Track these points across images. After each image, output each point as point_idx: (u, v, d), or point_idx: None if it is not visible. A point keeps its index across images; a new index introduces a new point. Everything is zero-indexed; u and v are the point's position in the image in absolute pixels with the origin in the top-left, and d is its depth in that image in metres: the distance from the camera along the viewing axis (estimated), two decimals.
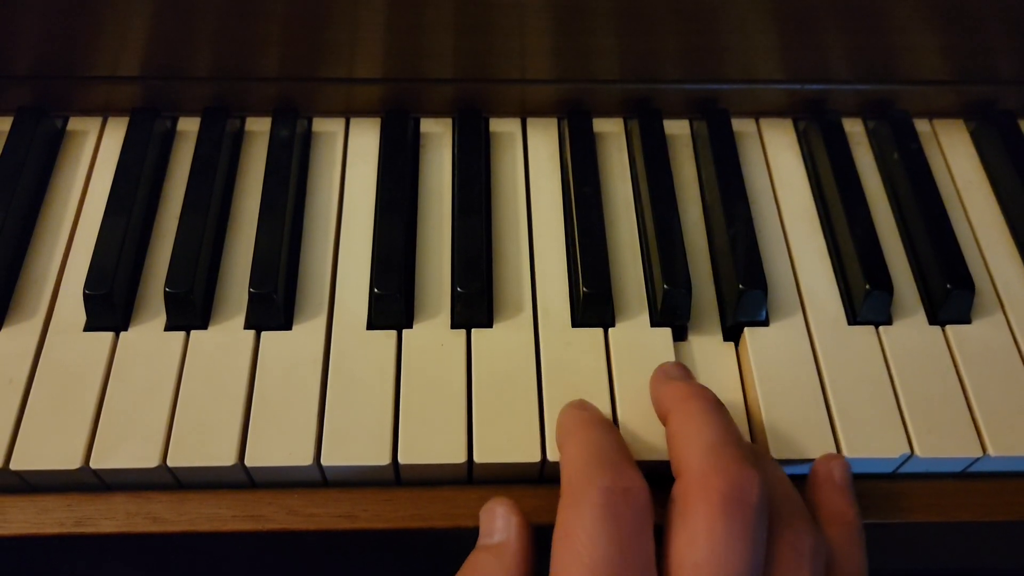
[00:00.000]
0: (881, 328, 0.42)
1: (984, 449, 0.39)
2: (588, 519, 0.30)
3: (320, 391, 0.39)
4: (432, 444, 0.37)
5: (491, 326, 0.41)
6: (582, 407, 0.37)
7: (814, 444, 0.38)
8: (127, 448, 0.37)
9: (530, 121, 0.50)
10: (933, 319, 0.43)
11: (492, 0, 0.43)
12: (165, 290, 0.40)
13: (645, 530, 0.31)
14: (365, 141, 0.48)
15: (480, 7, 0.44)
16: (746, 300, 0.41)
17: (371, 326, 0.41)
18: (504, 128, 0.49)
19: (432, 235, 0.45)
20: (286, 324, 0.41)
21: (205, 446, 0.37)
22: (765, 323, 0.42)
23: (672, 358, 0.41)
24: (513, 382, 0.39)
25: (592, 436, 0.34)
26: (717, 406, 0.34)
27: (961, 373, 0.41)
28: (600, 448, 0.33)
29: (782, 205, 0.47)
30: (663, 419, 0.36)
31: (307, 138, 0.48)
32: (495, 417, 0.38)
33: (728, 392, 0.40)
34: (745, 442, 0.36)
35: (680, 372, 0.38)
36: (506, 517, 0.34)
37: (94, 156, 0.47)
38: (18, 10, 0.43)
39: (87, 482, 0.37)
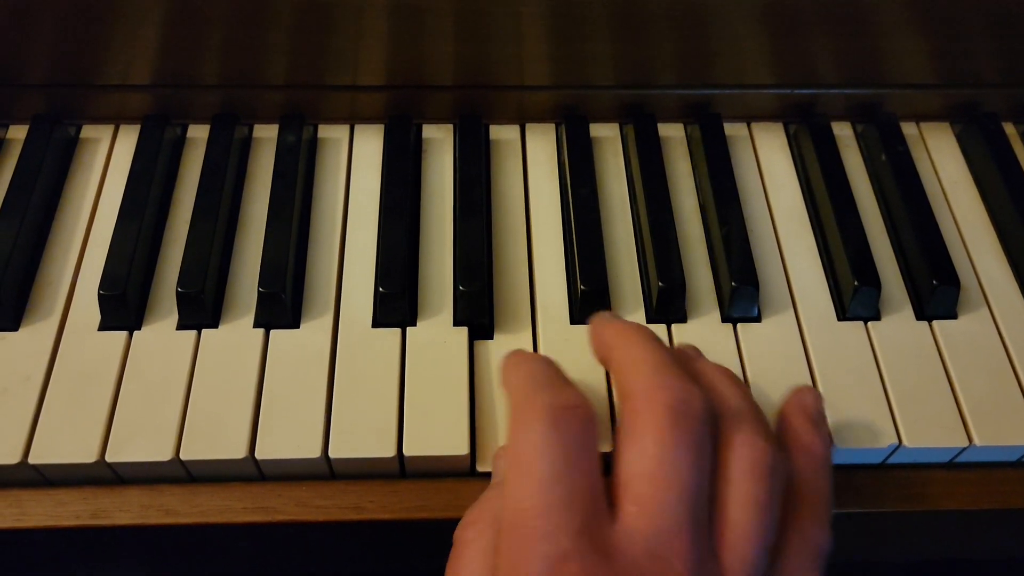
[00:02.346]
0: (870, 323, 0.43)
1: (970, 439, 0.40)
2: (534, 434, 0.31)
3: (327, 386, 0.40)
4: (436, 436, 0.38)
5: (492, 323, 0.43)
6: (517, 351, 0.38)
7: None
8: (141, 442, 0.38)
9: (529, 126, 0.51)
10: (920, 314, 0.44)
11: (490, 10, 0.45)
12: (177, 290, 0.41)
13: (591, 444, 0.32)
14: (369, 147, 0.50)
15: (479, 16, 0.45)
16: (739, 297, 0.43)
17: (376, 324, 0.42)
18: (504, 134, 0.51)
19: (435, 236, 0.46)
20: (294, 323, 0.42)
21: (217, 440, 0.38)
22: (757, 319, 0.43)
23: None
24: None
25: (531, 366, 0.35)
26: (657, 338, 0.36)
27: (947, 366, 0.42)
28: (540, 373, 0.35)
29: (773, 206, 0.48)
30: (605, 358, 0.37)
31: (313, 144, 0.50)
32: (497, 410, 0.39)
33: None
34: (702, 359, 0.38)
35: (615, 316, 0.39)
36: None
37: (107, 162, 0.48)
38: (34, 22, 0.44)
39: (102, 476, 0.39)
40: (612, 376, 0.36)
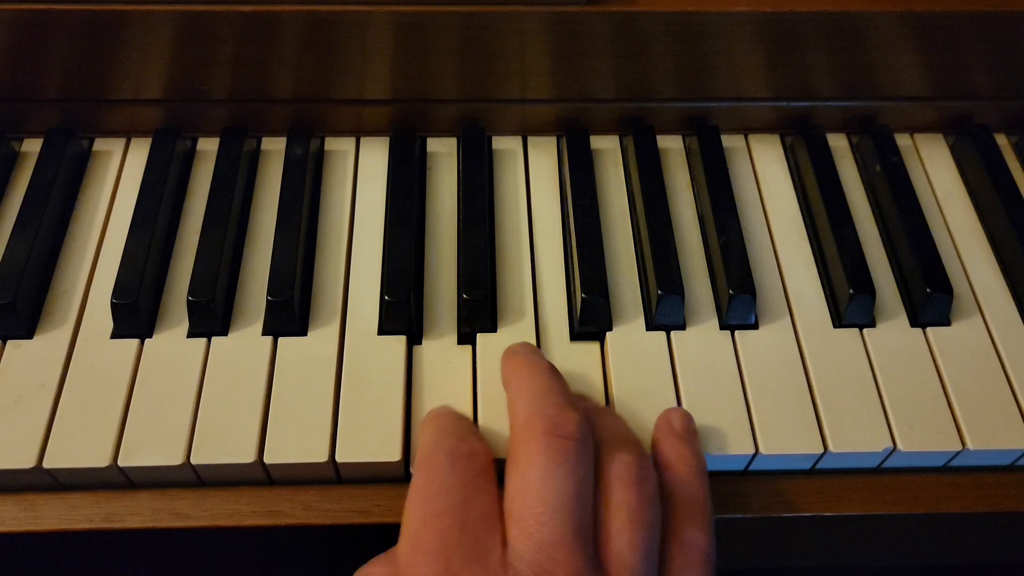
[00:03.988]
0: (865, 330, 0.44)
1: (963, 443, 0.41)
2: (434, 475, 0.34)
3: (334, 392, 0.41)
4: None
5: (495, 330, 0.43)
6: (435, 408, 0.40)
7: (801, 440, 0.40)
8: (153, 447, 0.39)
9: (531, 139, 0.52)
10: (914, 321, 0.45)
11: (494, 25, 0.46)
12: (188, 299, 0.42)
13: (487, 485, 0.34)
14: (375, 159, 0.51)
15: (482, 32, 0.46)
16: (736, 304, 0.43)
17: (382, 331, 0.43)
18: (506, 145, 0.52)
19: (439, 246, 0.47)
20: (302, 330, 0.43)
21: (226, 445, 0.39)
22: (755, 326, 0.44)
23: (666, 361, 0.43)
24: None
25: (442, 419, 0.38)
26: (549, 369, 0.38)
27: (941, 372, 0.43)
28: (449, 423, 0.37)
29: (770, 216, 0.49)
30: (506, 389, 0.39)
31: (320, 156, 0.51)
32: (499, 414, 0.40)
33: (726, 384, 0.42)
34: (584, 399, 0.40)
35: (524, 348, 0.41)
36: None
37: (119, 174, 0.49)
38: (49, 39, 0.46)
39: (114, 480, 0.40)
40: (508, 404, 0.38)
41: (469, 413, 0.41)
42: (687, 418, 0.39)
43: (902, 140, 0.53)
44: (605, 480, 0.34)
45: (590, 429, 0.36)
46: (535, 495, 0.33)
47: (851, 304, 0.44)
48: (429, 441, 0.36)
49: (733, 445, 0.40)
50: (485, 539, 0.32)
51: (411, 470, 0.39)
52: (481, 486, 0.34)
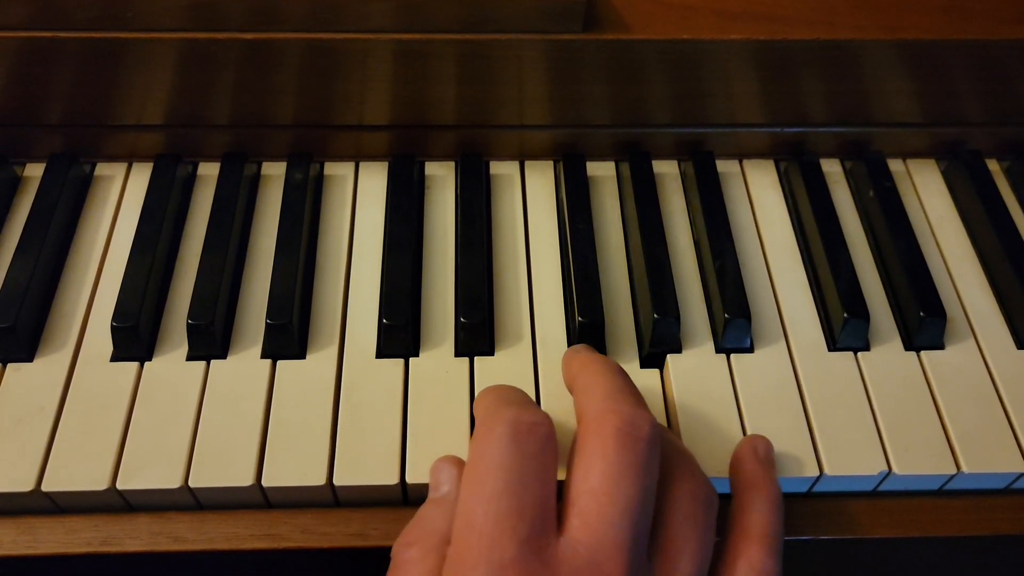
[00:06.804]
0: (859, 354, 0.44)
1: (958, 466, 0.41)
2: (494, 448, 0.32)
3: (332, 416, 0.41)
4: None
5: (493, 354, 0.44)
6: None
7: (797, 463, 0.41)
8: (151, 470, 0.39)
9: (528, 164, 0.53)
10: (908, 345, 0.45)
11: (491, 53, 0.46)
12: (187, 322, 0.42)
13: (547, 460, 0.33)
14: (374, 183, 0.51)
15: (480, 59, 0.47)
16: (732, 328, 0.44)
17: (380, 355, 0.43)
18: (504, 170, 0.53)
19: (437, 270, 0.47)
20: (300, 353, 0.43)
21: (224, 468, 0.39)
22: (750, 350, 0.45)
23: (659, 383, 0.43)
24: None
25: (500, 388, 0.37)
26: (619, 369, 0.38)
27: (936, 395, 0.43)
28: (508, 393, 0.37)
29: (765, 240, 0.50)
30: (570, 385, 0.39)
31: (320, 181, 0.51)
32: None
33: (721, 407, 0.42)
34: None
35: (589, 348, 0.41)
36: (448, 470, 0.36)
37: (120, 199, 0.50)
38: (53, 66, 0.46)
39: (113, 504, 0.40)
40: (575, 399, 0.37)
41: (465, 431, 0.41)
42: (770, 447, 0.40)
43: (895, 165, 0.53)
44: (676, 492, 0.34)
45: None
46: (606, 494, 0.32)
47: (846, 328, 0.44)
48: (487, 410, 0.35)
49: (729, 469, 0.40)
50: (541, 526, 0.31)
51: (470, 444, 0.37)
52: (544, 464, 0.33)
